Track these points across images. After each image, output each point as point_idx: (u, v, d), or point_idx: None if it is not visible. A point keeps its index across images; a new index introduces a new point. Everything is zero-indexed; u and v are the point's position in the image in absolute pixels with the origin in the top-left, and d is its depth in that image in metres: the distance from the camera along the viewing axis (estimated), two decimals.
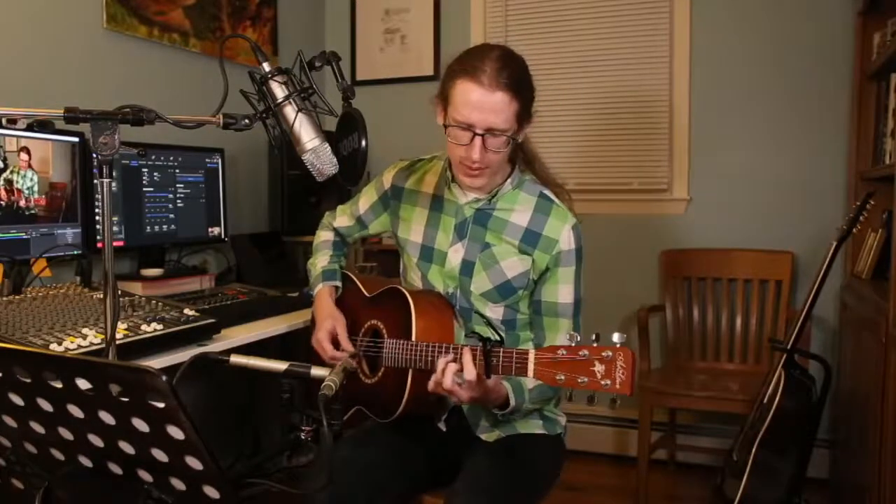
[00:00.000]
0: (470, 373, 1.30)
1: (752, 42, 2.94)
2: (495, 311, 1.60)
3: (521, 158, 1.63)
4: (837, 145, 2.83)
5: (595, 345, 1.18)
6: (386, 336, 1.59)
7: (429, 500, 1.69)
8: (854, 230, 2.29)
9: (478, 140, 1.43)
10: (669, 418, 3.02)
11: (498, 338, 1.31)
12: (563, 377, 1.19)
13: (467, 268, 1.60)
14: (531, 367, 1.24)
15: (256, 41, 2.30)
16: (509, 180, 1.59)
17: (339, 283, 1.79)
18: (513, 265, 1.56)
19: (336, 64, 1.42)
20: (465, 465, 1.53)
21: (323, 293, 1.76)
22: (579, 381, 1.18)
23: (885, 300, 1.89)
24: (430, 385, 1.37)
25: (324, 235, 1.91)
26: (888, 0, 2.45)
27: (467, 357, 1.32)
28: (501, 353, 1.29)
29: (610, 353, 1.16)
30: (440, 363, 1.35)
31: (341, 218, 1.89)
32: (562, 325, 1.57)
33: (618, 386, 1.16)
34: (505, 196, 1.59)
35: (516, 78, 1.44)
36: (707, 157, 3.03)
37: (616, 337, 1.17)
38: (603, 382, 1.16)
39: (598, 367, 1.17)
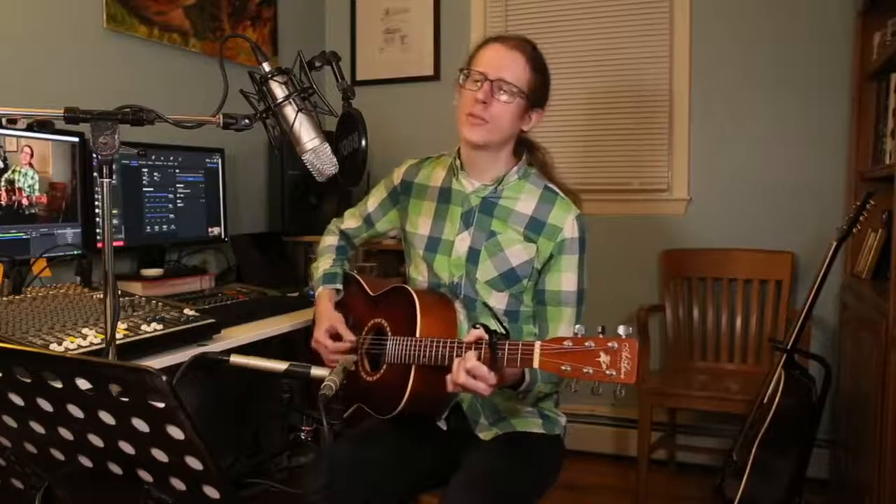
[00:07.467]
0: (479, 368, 1.30)
1: (752, 42, 2.94)
2: (499, 300, 1.61)
3: (535, 158, 1.68)
4: (837, 145, 2.83)
5: (601, 336, 1.19)
6: (390, 333, 1.60)
7: (426, 500, 1.69)
8: (854, 230, 2.29)
9: (487, 84, 1.53)
10: (669, 418, 3.02)
11: (503, 331, 1.31)
12: (568, 367, 1.21)
13: (473, 256, 1.62)
14: (536, 358, 1.25)
15: (256, 41, 2.30)
16: (515, 169, 1.63)
17: (339, 286, 1.80)
18: (517, 253, 1.59)
19: (336, 64, 1.43)
20: (463, 462, 1.54)
21: (322, 297, 1.77)
22: (584, 371, 1.19)
23: (885, 300, 1.89)
24: (449, 386, 1.36)
25: (328, 240, 1.92)
26: (888, 0, 2.45)
27: (471, 355, 1.31)
28: (507, 346, 1.29)
29: (615, 344, 1.17)
30: (455, 363, 1.34)
31: (349, 220, 1.91)
32: (565, 313, 1.57)
33: (622, 376, 1.16)
34: (510, 185, 1.63)
35: (538, 57, 1.59)
36: (707, 157, 3.03)
37: (621, 329, 1.18)
38: (608, 372, 1.17)
39: (604, 358, 1.18)
